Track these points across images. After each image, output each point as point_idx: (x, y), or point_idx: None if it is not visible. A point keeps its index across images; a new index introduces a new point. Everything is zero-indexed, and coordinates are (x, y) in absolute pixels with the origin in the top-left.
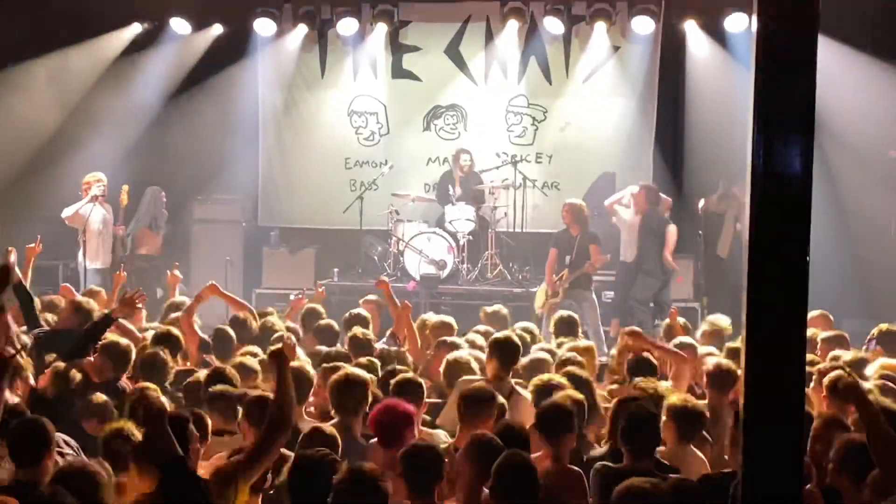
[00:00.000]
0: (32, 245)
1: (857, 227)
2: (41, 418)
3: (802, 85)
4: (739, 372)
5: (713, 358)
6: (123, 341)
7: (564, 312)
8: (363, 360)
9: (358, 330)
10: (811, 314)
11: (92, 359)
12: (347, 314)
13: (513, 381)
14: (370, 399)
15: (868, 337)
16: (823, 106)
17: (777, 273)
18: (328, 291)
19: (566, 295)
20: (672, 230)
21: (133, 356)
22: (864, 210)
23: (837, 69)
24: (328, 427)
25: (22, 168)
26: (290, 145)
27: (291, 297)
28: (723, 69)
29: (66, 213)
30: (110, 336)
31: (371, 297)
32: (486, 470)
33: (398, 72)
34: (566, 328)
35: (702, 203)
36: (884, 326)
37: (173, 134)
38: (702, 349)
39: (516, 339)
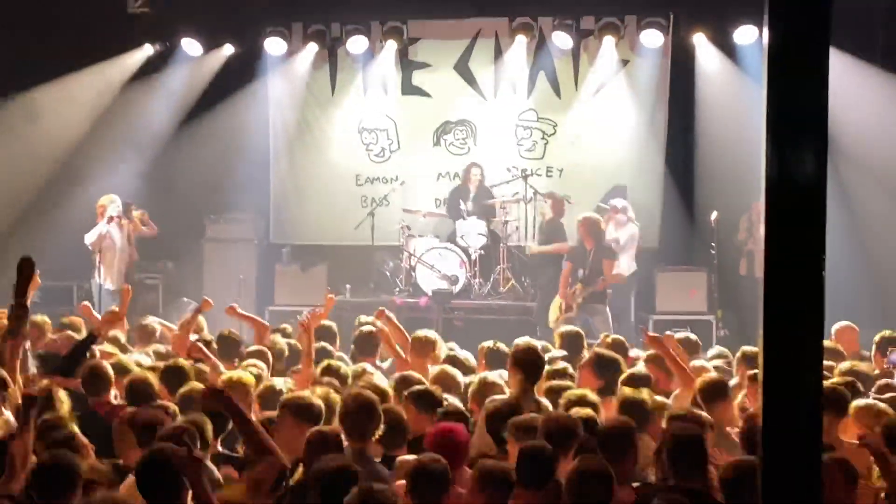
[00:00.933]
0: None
1: (870, 237)
2: (68, 455)
3: (814, 96)
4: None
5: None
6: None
7: (569, 327)
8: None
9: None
10: (838, 325)
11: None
12: (357, 332)
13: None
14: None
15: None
16: (836, 117)
17: (794, 284)
18: (339, 308)
19: (580, 309)
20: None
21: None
22: (879, 220)
23: (849, 81)
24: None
25: (36, 191)
26: (301, 163)
27: (300, 317)
28: (732, 82)
29: (89, 238)
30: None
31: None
32: (497, 498)
33: (408, 88)
34: (571, 343)
35: (714, 215)
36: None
37: (186, 154)
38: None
39: (540, 350)
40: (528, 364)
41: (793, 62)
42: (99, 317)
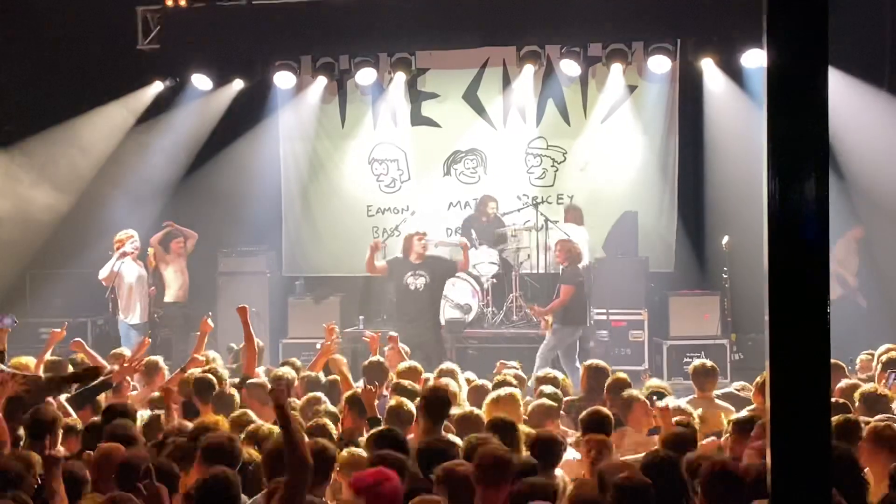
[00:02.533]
0: (59, 330)
1: (881, 259)
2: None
3: (815, 121)
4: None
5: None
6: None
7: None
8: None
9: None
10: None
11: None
12: (367, 362)
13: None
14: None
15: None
16: (843, 139)
17: (798, 312)
18: (353, 339)
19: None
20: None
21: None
22: (889, 238)
23: (856, 104)
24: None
25: (52, 228)
26: (312, 195)
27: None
28: (740, 106)
29: (102, 273)
30: None
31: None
32: None
33: (417, 119)
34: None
35: (725, 239)
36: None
37: (198, 188)
38: None
39: (445, 390)
40: (434, 406)
41: (792, 86)
42: (93, 353)
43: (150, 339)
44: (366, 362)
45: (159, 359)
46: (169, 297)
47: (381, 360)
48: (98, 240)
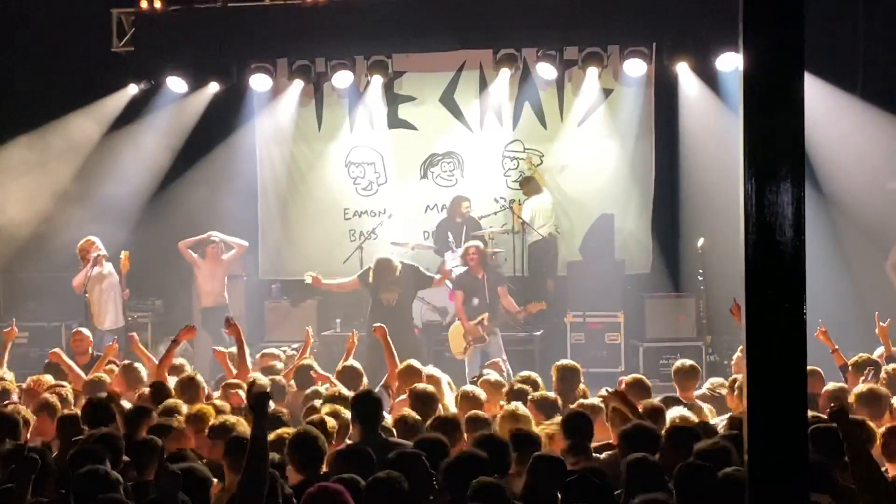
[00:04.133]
0: (8, 329)
1: (857, 260)
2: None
3: (791, 124)
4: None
5: None
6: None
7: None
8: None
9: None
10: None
11: None
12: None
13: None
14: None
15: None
16: (820, 143)
17: (775, 313)
18: (330, 342)
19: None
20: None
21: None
22: (864, 243)
23: (832, 109)
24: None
25: (27, 233)
26: (289, 198)
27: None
28: (714, 110)
29: (76, 282)
30: None
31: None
32: None
33: (394, 122)
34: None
35: (700, 242)
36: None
37: (174, 192)
38: None
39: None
40: (366, 409)
41: (768, 91)
42: (70, 363)
43: (116, 345)
44: (339, 367)
45: (140, 366)
46: (207, 302)
47: (355, 364)
48: (72, 244)
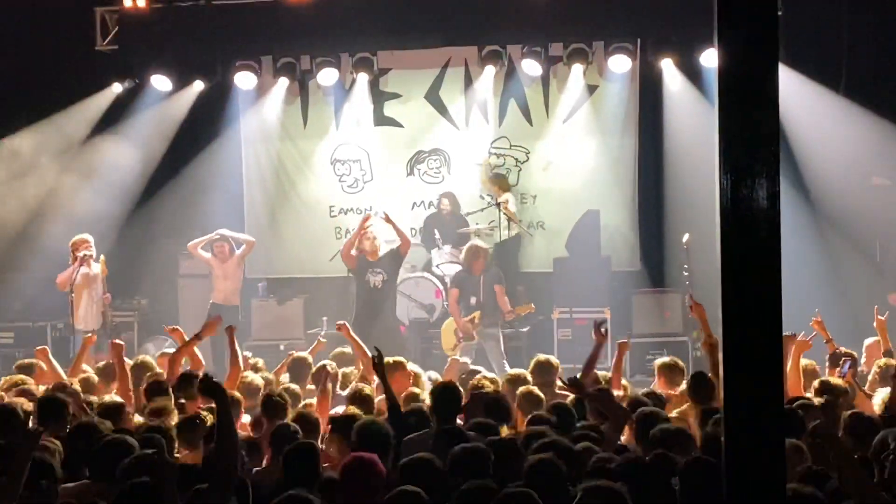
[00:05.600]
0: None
1: (840, 253)
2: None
3: (766, 119)
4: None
5: None
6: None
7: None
8: None
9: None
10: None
11: None
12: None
13: None
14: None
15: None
16: (805, 140)
17: (751, 307)
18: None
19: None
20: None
21: None
22: (848, 237)
23: (816, 108)
24: None
25: (12, 233)
26: (274, 196)
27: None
28: (698, 106)
29: (59, 279)
30: None
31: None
32: None
33: (380, 119)
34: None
35: (685, 237)
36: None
37: (159, 191)
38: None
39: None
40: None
41: (744, 85)
42: (54, 362)
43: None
44: (313, 369)
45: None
46: (216, 299)
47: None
48: (58, 244)
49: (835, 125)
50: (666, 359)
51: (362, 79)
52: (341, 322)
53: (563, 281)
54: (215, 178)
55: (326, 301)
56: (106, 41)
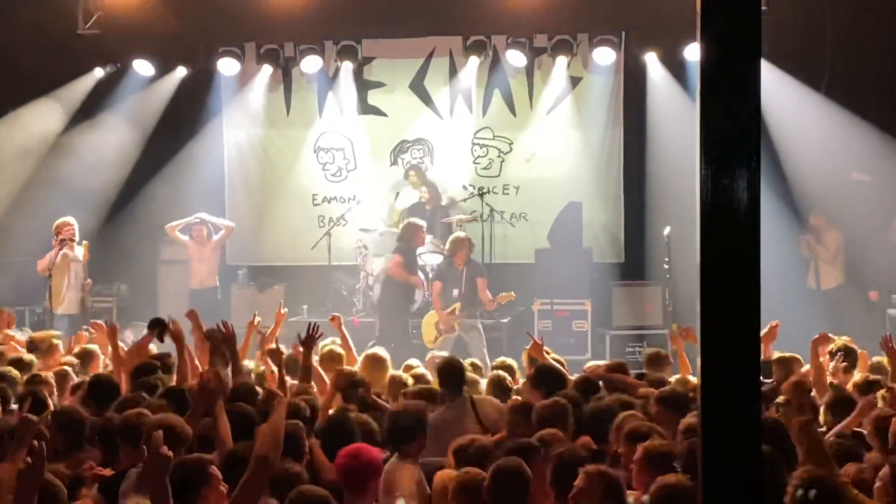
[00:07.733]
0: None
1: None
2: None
3: (747, 112)
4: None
5: None
6: None
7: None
8: None
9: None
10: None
11: None
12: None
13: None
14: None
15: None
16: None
17: (729, 302)
18: (297, 328)
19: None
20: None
21: None
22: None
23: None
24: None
25: None
26: (256, 184)
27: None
28: (681, 99)
29: (39, 266)
30: None
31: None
32: None
33: (364, 108)
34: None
35: (667, 230)
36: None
37: (141, 177)
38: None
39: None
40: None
41: (725, 77)
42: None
43: (86, 334)
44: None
45: (95, 347)
46: (193, 284)
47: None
48: (39, 228)
49: (816, 122)
50: (650, 350)
51: (346, 67)
52: (336, 314)
53: (545, 272)
54: (197, 165)
55: (307, 289)
56: (88, 25)
